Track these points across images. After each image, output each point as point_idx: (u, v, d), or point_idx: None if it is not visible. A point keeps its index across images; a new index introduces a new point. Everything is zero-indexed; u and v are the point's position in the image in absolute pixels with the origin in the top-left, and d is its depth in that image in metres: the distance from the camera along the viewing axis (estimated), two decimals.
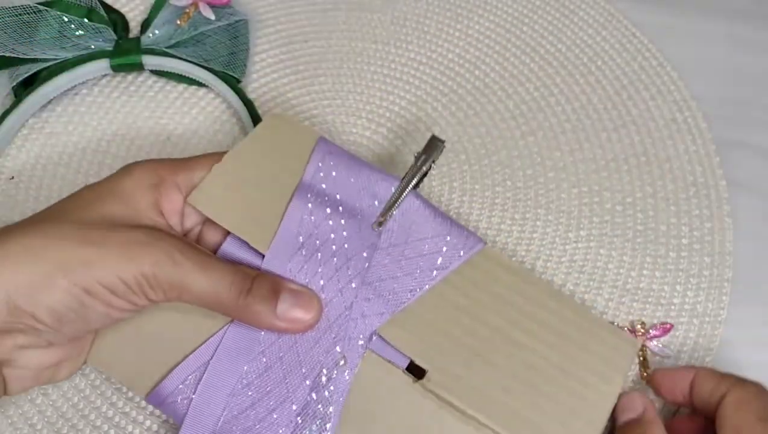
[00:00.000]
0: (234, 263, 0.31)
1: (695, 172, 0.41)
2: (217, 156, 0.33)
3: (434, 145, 0.34)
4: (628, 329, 0.36)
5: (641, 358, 0.36)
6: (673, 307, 0.37)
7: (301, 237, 0.32)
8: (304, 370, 0.31)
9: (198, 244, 0.33)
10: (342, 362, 0.32)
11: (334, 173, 0.34)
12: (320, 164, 0.34)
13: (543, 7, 0.46)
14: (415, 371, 0.32)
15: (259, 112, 0.41)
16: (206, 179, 0.32)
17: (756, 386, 0.31)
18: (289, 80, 0.43)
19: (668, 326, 0.36)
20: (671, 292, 0.38)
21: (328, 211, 0.33)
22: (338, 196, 0.33)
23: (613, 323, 0.37)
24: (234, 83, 0.42)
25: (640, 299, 0.38)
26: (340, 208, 0.33)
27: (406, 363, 0.32)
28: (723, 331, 0.37)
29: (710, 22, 0.46)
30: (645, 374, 0.35)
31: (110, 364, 0.32)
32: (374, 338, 0.32)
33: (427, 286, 0.33)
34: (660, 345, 0.36)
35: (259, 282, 0.30)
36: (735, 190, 0.41)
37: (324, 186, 0.33)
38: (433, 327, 0.32)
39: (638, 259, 0.38)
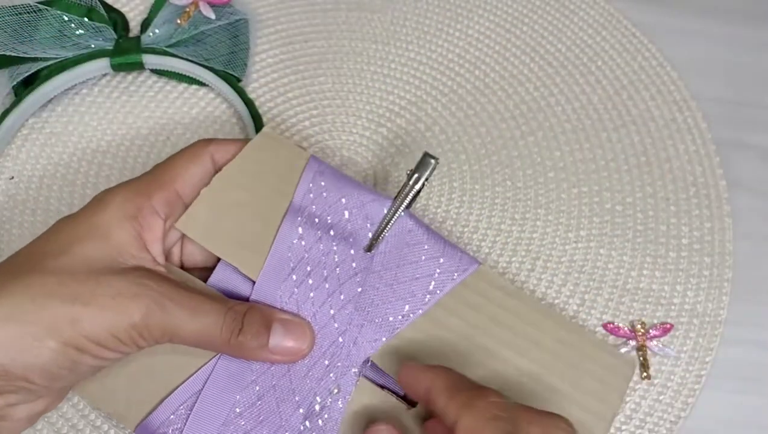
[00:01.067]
0: (223, 300, 0.30)
1: (695, 172, 0.41)
2: (186, 156, 0.32)
3: (426, 163, 0.33)
4: (628, 329, 0.36)
5: (641, 359, 0.36)
6: (673, 307, 0.37)
7: (291, 263, 0.32)
8: (297, 398, 0.31)
9: (183, 261, 0.33)
10: (336, 390, 0.31)
11: (324, 194, 0.33)
12: (311, 185, 0.33)
13: (543, 7, 0.46)
14: (408, 397, 0.32)
15: (260, 111, 0.41)
16: (195, 203, 0.32)
17: (489, 409, 0.26)
18: (289, 80, 0.43)
19: (668, 326, 0.36)
20: (671, 292, 0.38)
21: (319, 234, 0.32)
22: (329, 219, 0.33)
23: (612, 323, 0.37)
24: (234, 82, 0.42)
25: (640, 299, 0.38)
26: (332, 232, 0.32)
27: (400, 389, 0.32)
28: (723, 331, 0.37)
29: (710, 22, 0.46)
30: (645, 375, 0.35)
31: (98, 397, 0.31)
32: (368, 365, 0.32)
33: (420, 311, 0.32)
34: (660, 345, 0.36)
35: (249, 319, 0.29)
36: (735, 190, 0.41)
37: (314, 208, 0.33)
38: (426, 351, 0.32)
39: (638, 259, 0.38)
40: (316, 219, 0.33)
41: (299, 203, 0.33)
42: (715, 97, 0.44)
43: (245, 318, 0.29)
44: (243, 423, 0.31)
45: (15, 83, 0.40)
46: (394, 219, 0.33)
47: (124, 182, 0.31)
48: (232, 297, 0.31)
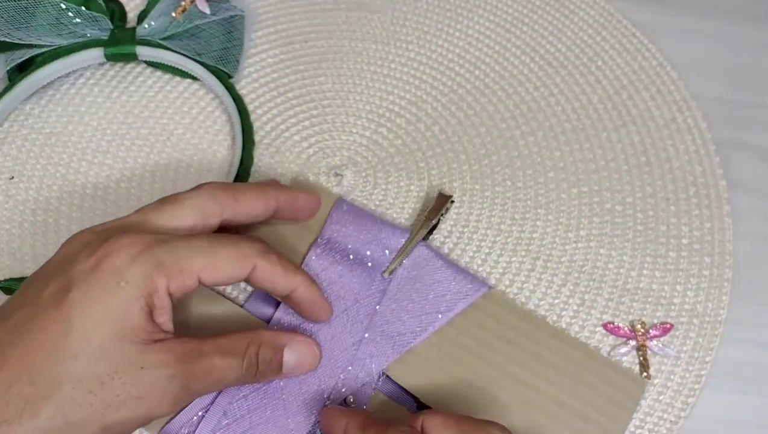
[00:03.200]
0: (234, 348, 0.30)
1: (695, 172, 0.41)
2: (232, 256, 0.30)
3: (442, 203, 0.38)
4: (628, 329, 0.36)
5: (641, 359, 0.36)
6: (673, 307, 0.37)
7: None
8: (309, 406, 0.32)
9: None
10: (351, 400, 0.33)
11: (347, 226, 0.36)
12: (335, 219, 0.36)
13: (543, 7, 0.46)
14: (421, 410, 0.33)
15: (250, 107, 0.41)
16: None
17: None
18: (289, 80, 0.43)
19: (668, 326, 0.36)
20: (671, 292, 0.38)
21: (338, 256, 0.35)
22: (349, 246, 0.36)
23: (612, 323, 0.37)
24: (225, 78, 0.42)
25: (640, 299, 0.37)
26: (351, 256, 0.35)
27: (413, 403, 0.33)
28: (723, 331, 0.37)
29: (710, 22, 0.46)
30: (645, 375, 0.35)
31: None
32: (381, 378, 0.33)
33: (431, 329, 0.34)
34: (660, 345, 0.36)
35: (263, 357, 0.30)
36: (735, 190, 0.41)
37: (337, 238, 0.36)
38: (438, 366, 0.34)
39: (638, 259, 0.38)
40: (337, 244, 0.36)
41: (324, 234, 0.36)
42: (715, 97, 0.44)
43: (259, 358, 0.30)
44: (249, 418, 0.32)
45: (9, 68, 0.40)
46: (410, 248, 0.36)
47: (145, 236, 0.29)
48: (261, 316, 0.35)
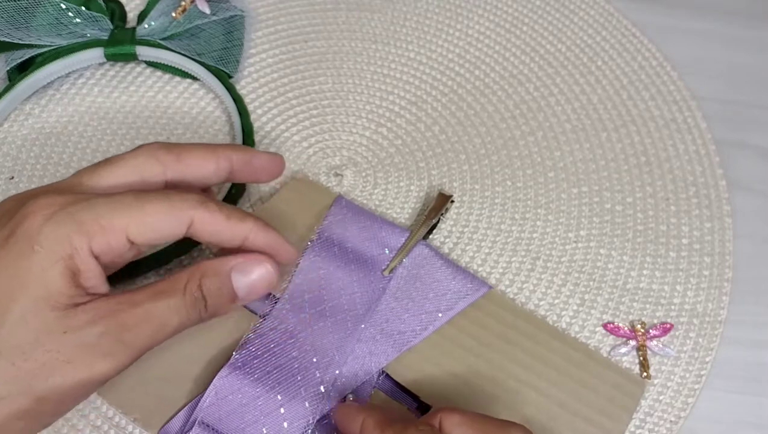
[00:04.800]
0: (171, 289, 0.28)
1: (695, 172, 0.41)
2: (165, 208, 0.28)
3: (442, 203, 0.38)
4: (628, 329, 0.36)
5: (641, 359, 0.36)
6: (673, 307, 0.37)
7: (308, 278, 0.34)
8: (307, 404, 0.32)
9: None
10: (351, 398, 0.33)
11: (346, 223, 0.36)
12: (333, 218, 0.36)
13: (543, 7, 0.46)
14: (422, 409, 0.33)
15: (250, 107, 0.41)
16: None
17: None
18: (289, 80, 0.43)
19: (668, 326, 0.36)
20: (671, 292, 0.38)
21: (336, 250, 0.35)
22: (348, 244, 0.36)
23: (612, 323, 0.37)
24: (225, 78, 0.42)
25: (640, 299, 0.38)
26: (349, 252, 0.35)
27: (413, 402, 0.33)
28: (723, 331, 0.37)
29: (710, 22, 0.46)
30: (645, 375, 0.35)
31: (125, 404, 0.33)
32: (381, 377, 0.33)
33: (432, 328, 0.34)
34: (660, 345, 0.36)
35: (208, 289, 0.28)
36: (735, 190, 0.41)
37: (335, 233, 0.36)
38: (438, 365, 0.34)
39: (638, 259, 0.38)
40: (336, 241, 0.35)
41: (322, 232, 0.36)
42: (715, 97, 0.44)
43: (203, 290, 0.28)
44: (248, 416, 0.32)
45: (9, 68, 0.40)
46: (410, 246, 0.36)
47: (62, 196, 0.27)
48: (261, 312, 0.33)
